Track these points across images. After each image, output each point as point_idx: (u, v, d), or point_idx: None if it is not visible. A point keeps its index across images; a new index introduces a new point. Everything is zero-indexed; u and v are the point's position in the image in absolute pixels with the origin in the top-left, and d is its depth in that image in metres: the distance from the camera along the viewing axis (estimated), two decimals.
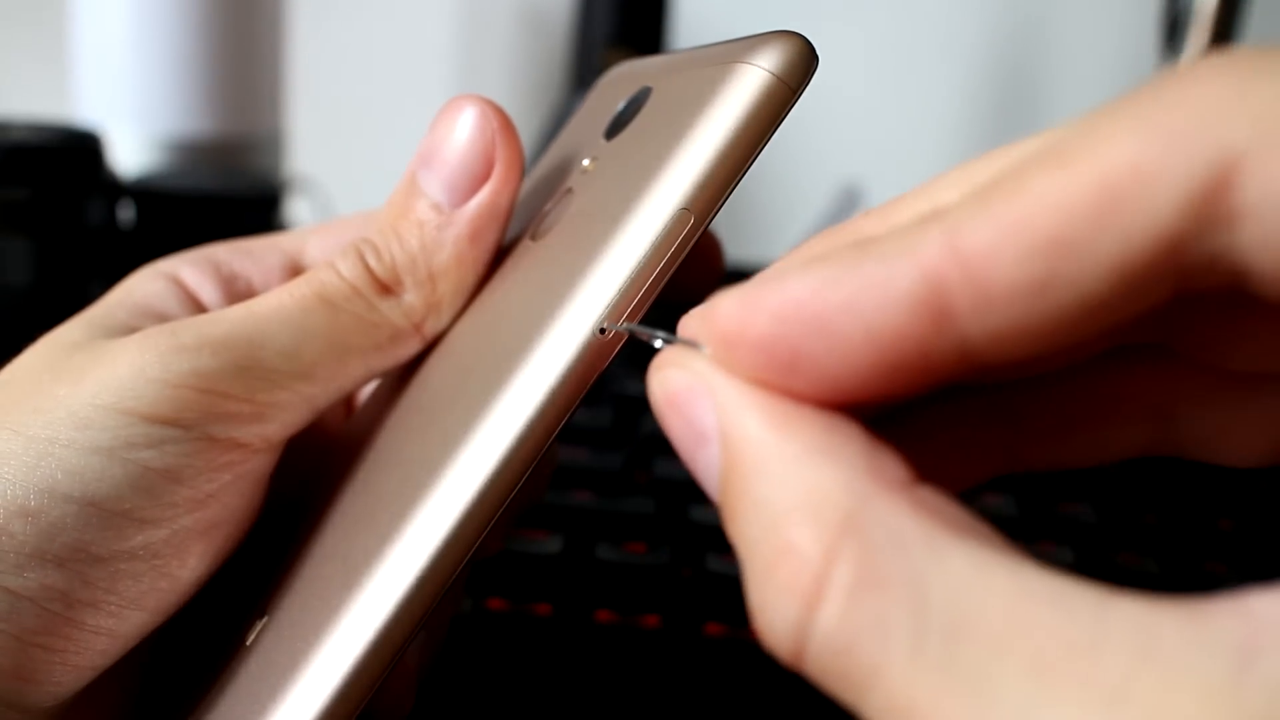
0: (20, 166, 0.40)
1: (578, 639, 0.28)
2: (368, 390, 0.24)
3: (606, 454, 0.35)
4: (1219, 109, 0.10)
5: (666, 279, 0.17)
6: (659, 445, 0.36)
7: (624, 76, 0.23)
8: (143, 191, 0.46)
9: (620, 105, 0.21)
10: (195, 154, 0.53)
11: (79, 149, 0.42)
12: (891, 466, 0.12)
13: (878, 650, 0.10)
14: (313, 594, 0.18)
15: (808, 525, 0.11)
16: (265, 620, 0.19)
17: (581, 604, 0.29)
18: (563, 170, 0.22)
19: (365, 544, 0.17)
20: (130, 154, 0.52)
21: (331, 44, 0.73)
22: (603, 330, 0.17)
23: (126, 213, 0.46)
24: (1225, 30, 0.49)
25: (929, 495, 0.11)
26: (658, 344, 0.15)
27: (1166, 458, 0.16)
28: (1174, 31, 0.51)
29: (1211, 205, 0.10)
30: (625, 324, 0.17)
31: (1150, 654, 0.09)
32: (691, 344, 0.14)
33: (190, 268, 0.22)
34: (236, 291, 0.22)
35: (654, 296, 0.17)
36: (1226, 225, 0.10)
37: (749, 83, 0.17)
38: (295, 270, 0.23)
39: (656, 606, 0.29)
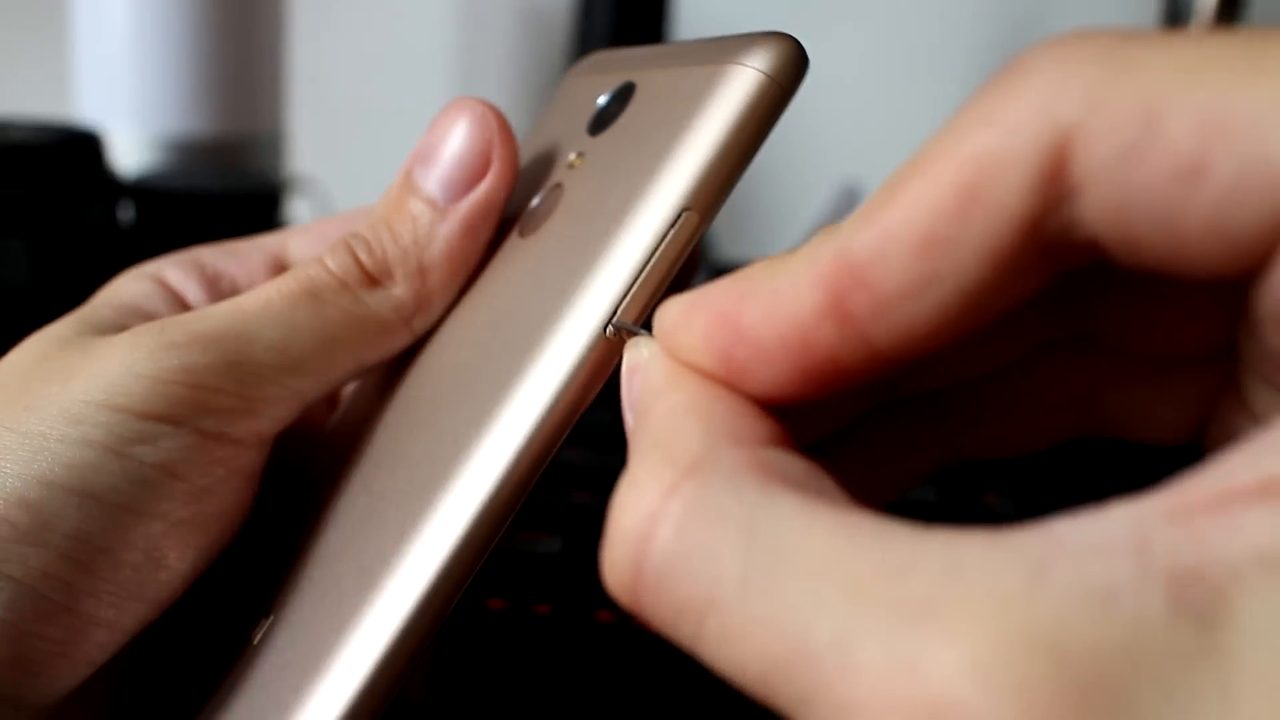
0: (20, 166, 0.40)
1: (578, 639, 0.28)
2: (352, 386, 0.24)
3: (606, 454, 0.35)
4: (1050, 92, 0.11)
5: (672, 279, 0.17)
6: None
7: (598, 68, 0.23)
8: (143, 191, 0.46)
9: (602, 100, 0.21)
10: (195, 154, 0.53)
11: (79, 149, 0.42)
12: (752, 430, 0.13)
13: (709, 580, 0.11)
14: (324, 594, 0.18)
15: (656, 464, 0.12)
16: (271, 620, 0.19)
17: (581, 604, 0.29)
18: (546, 164, 0.22)
19: (379, 543, 0.17)
20: (130, 154, 0.52)
21: (331, 44, 0.73)
22: (613, 331, 0.17)
23: (126, 213, 0.46)
24: (1225, 29, 0.49)
25: (778, 455, 0.12)
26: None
27: (1087, 450, 0.17)
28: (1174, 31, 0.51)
29: (1055, 182, 0.11)
30: (633, 325, 0.17)
31: (954, 572, 0.10)
32: (648, 335, 0.16)
33: (175, 269, 0.22)
34: (221, 291, 0.22)
35: (660, 297, 0.17)
36: (1071, 199, 0.11)
37: (744, 83, 0.17)
38: (279, 269, 0.23)
39: None
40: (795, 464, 0.12)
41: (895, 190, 0.12)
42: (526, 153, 0.23)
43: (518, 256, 0.20)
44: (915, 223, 0.12)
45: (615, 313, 0.17)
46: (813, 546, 0.11)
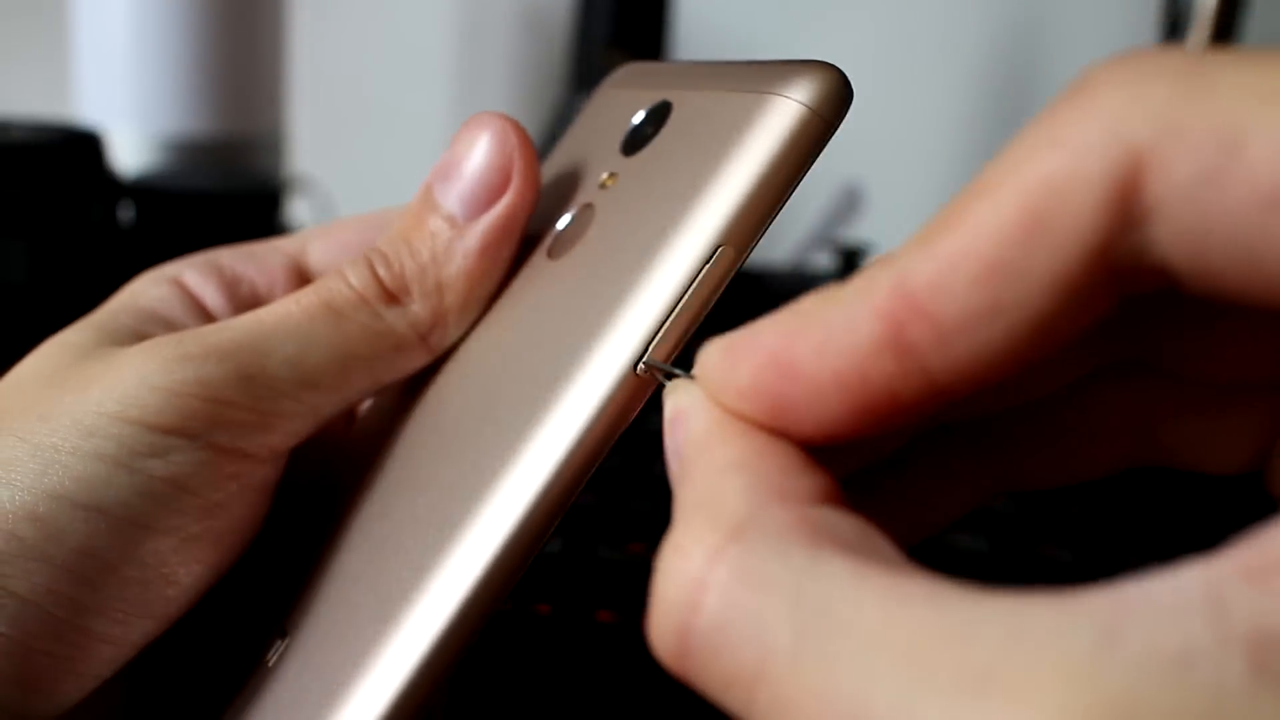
0: (20, 166, 0.40)
1: (578, 639, 0.28)
2: (369, 401, 0.24)
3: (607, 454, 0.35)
4: (1120, 112, 0.11)
5: (704, 317, 0.17)
6: (659, 445, 0.36)
7: (632, 82, 0.23)
8: (143, 191, 0.46)
9: (637, 118, 0.21)
10: (195, 154, 0.53)
11: (79, 149, 0.42)
12: (801, 486, 0.12)
13: (759, 650, 0.11)
14: (342, 621, 0.18)
15: (701, 527, 0.12)
16: (287, 641, 0.19)
17: (581, 604, 0.29)
18: (575, 181, 0.21)
19: (397, 575, 0.17)
20: (130, 154, 0.52)
21: (331, 44, 0.73)
22: (644, 369, 0.16)
23: (126, 213, 0.46)
24: (1225, 30, 0.49)
25: (827, 514, 0.12)
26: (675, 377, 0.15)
27: (1148, 496, 0.17)
28: (1174, 32, 0.51)
29: (1126, 206, 0.11)
30: (663, 364, 0.16)
31: (1017, 638, 0.09)
32: (687, 376, 0.15)
33: (193, 272, 0.22)
34: (240, 295, 0.22)
35: (691, 335, 0.17)
36: (1142, 223, 0.11)
37: (786, 115, 0.17)
38: (298, 272, 0.23)
39: None
40: (846, 523, 0.12)
41: (956, 216, 0.12)
42: (556, 167, 0.22)
43: (545, 279, 0.20)
44: (979, 250, 0.11)
45: (646, 350, 0.16)
46: (866, 613, 0.10)
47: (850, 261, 0.57)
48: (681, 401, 0.15)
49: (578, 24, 0.60)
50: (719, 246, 0.16)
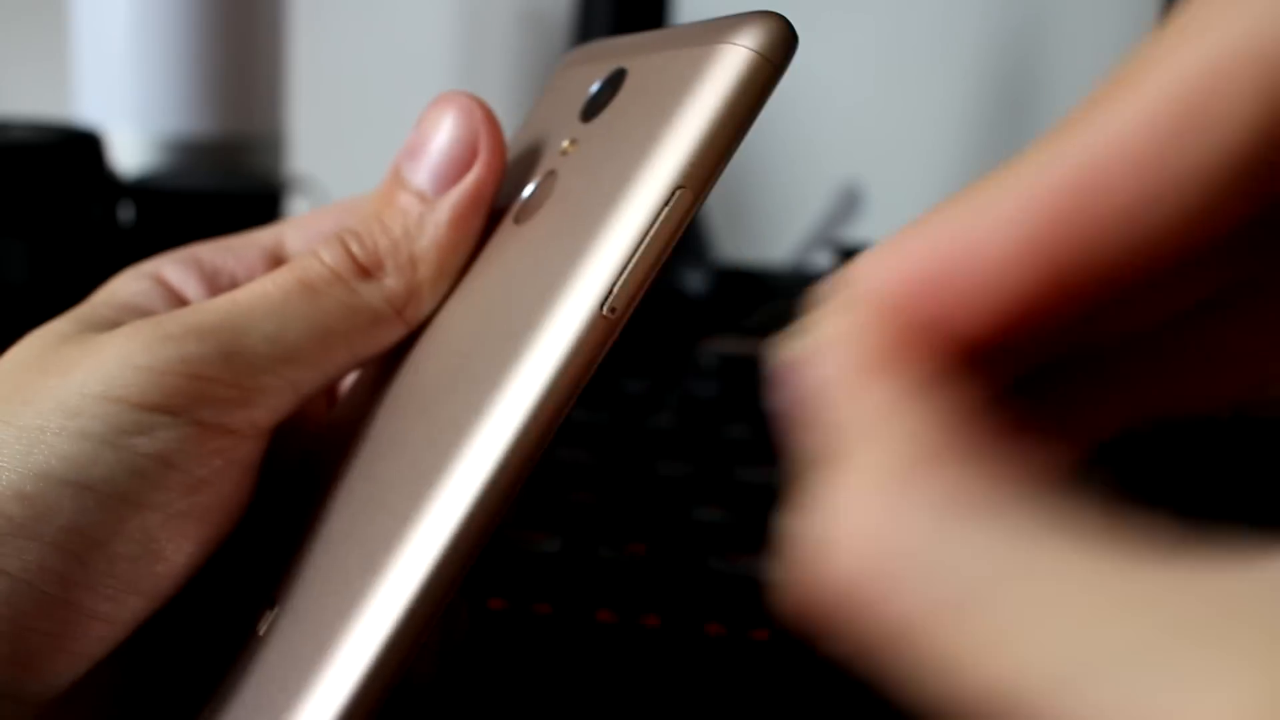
0: (20, 166, 0.40)
1: (578, 639, 0.28)
2: (349, 382, 0.24)
3: (606, 454, 0.35)
4: (1270, 6, 0.10)
5: (667, 257, 0.17)
6: (659, 445, 0.36)
7: (588, 58, 0.23)
8: (143, 191, 0.46)
9: (594, 87, 0.21)
10: (195, 154, 0.53)
11: (79, 149, 0.42)
12: (970, 427, 0.11)
13: (923, 601, 0.10)
14: (329, 580, 0.18)
15: (864, 468, 0.11)
16: (276, 610, 0.19)
17: (581, 604, 0.29)
18: (538, 153, 0.22)
19: (383, 526, 0.17)
20: (130, 154, 0.52)
21: (331, 44, 0.73)
22: (610, 310, 0.17)
23: (126, 213, 0.46)
24: None
25: (1001, 458, 0.11)
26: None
27: None
28: None
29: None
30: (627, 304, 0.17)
31: (1218, 602, 0.08)
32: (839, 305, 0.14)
33: (173, 266, 0.22)
34: (220, 288, 0.22)
35: (656, 275, 0.17)
36: None
37: (734, 61, 0.17)
38: (277, 262, 0.23)
39: (656, 606, 0.29)
40: (1021, 468, 0.11)
41: (1108, 106, 0.11)
42: (519, 143, 0.23)
43: (511, 244, 0.20)
44: (1133, 139, 0.11)
45: (612, 290, 0.17)
46: (1045, 568, 0.09)
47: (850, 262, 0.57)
48: (828, 329, 0.13)
49: (578, 24, 0.60)
50: (677, 189, 0.17)
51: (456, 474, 0.17)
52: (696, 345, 0.45)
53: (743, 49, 0.17)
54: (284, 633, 0.18)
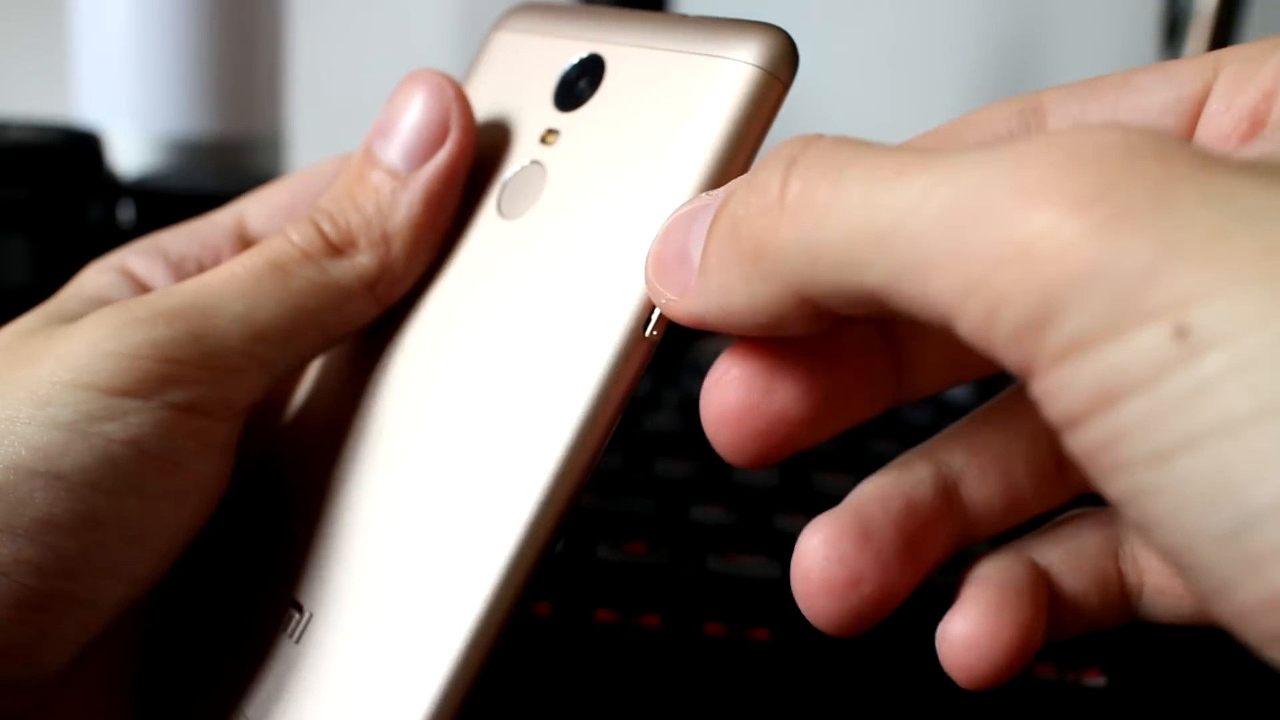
0: (20, 166, 0.40)
1: (578, 639, 0.28)
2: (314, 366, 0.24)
3: (607, 454, 0.35)
4: None
5: None
6: (659, 445, 0.36)
7: (532, 27, 0.23)
8: (143, 191, 0.46)
9: (563, 69, 0.21)
10: (195, 154, 0.53)
11: (79, 149, 0.42)
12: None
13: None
14: (382, 594, 0.18)
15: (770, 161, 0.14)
16: (307, 617, 0.19)
17: (581, 604, 0.29)
18: (510, 133, 0.22)
19: (449, 548, 0.18)
20: (130, 154, 0.52)
21: (331, 44, 0.73)
22: (652, 331, 0.18)
23: (126, 213, 0.46)
24: (1225, 30, 0.49)
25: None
26: None
27: None
28: (1174, 31, 0.51)
29: None
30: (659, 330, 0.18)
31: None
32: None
33: (138, 257, 0.22)
34: (186, 274, 0.22)
35: None
36: None
37: (747, 81, 0.18)
38: (242, 242, 0.23)
39: (656, 606, 0.29)
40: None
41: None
42: (482, 116, 0.23)
43: (507, 239, 0.20)
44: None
45: (653, 315, 0.18)
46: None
47: None
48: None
49: None
50: None
51: (530, 507, 0.18)
52: (696, 345, 0.45)
53: (754, 68, 0.18)
54: (331, 642, 0.19)
